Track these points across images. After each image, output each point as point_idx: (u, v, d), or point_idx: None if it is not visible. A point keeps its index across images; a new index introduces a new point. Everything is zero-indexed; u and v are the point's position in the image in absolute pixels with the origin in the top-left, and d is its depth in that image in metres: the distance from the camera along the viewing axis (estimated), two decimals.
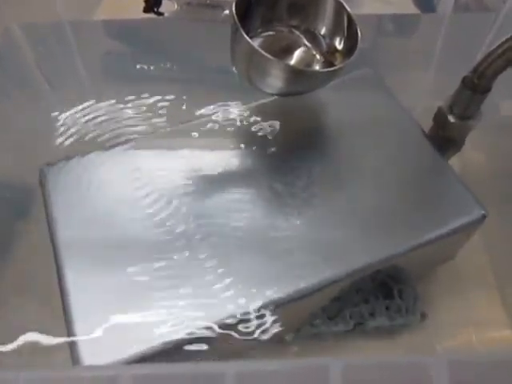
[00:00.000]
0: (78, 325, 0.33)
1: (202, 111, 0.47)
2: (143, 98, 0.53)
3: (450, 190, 0.39)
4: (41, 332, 0.35)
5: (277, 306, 0.34)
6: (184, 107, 0.51)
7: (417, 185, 0.40)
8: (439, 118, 0.40)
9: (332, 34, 0.44)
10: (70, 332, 0.33)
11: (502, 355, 0.23)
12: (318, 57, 0.45)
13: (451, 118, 0.39)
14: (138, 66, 0.58)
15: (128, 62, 0.59)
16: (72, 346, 0.32)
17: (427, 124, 0.42)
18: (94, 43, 0.59)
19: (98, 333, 0.32)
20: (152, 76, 0.58)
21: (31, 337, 0.34)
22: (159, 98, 0.53)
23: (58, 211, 0.38)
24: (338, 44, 0.44)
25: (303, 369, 0.19)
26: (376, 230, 0.37)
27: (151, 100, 0.52)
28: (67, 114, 0.54)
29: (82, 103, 0.55)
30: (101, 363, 0.31)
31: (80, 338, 0.32)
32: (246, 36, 0.37)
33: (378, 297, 0.40)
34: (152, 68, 0.58)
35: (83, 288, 0.34)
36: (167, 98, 0.53)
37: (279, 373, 0.19)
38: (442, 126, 0.40)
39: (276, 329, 0.34)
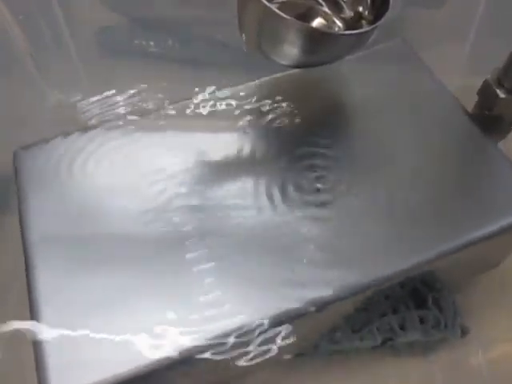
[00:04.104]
0: (47, 338, 0.27)
1: (205, 90, 0.42)
2: (141, 78, 0.48)
3: (501, 180, 0.33)
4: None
5: (289, 319, 0.28)
6: (186, 85, 0.45)
7: (459, 173, 0.34)
8: (486, 93, 0.35)
9: None
10: (36, 346, 0.27)
11: None
12: (340, 25, 0.39)
13: (501, 93, 0.34)
14: (136, 42, 0.52)
15: (125, 37, 0.53)
16: (39, 363, 0.26)
17: (465, 105, 0.37)
18: (87, 15, 0.53)
19: (70, 349, 0.27)
20: (152, 53, 0.53)
21: None
22: (158, 76, 0.49)
23: (30, 201, 0.33)
24: (363, 10, 0.38)
25: None
26: (409, 228, 0.31)
27: (149, 79, 0.48)
28: (56, 94, 0.49)
29: (72, 83, 0.50)
30: None
31: (48, 354, 0.27)
32: None
33: (408, 306, 0.34)
34: (152, 44, 0.52)
35: (55, 293, 0.29)
36: (167, 76, 0.49)
37: None
38: (489, 102, 0.35)
39: (287, 346, 0.28)
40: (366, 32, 0.33)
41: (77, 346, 0.27)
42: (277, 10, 0.31)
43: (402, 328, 0.34)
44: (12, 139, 0.42)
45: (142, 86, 0.46)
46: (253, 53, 0.35)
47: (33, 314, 0.28)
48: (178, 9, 0.54)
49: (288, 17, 0.31)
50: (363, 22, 0.38)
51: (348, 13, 0.39)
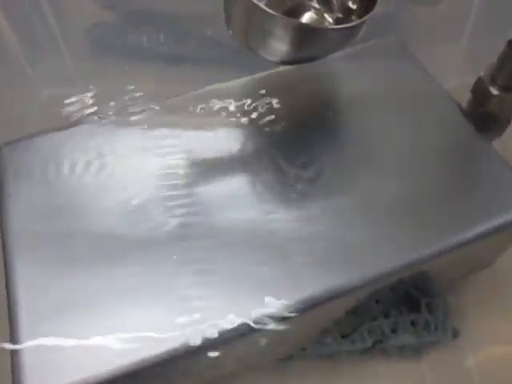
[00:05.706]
0: (25, 338, 0.26)
1: (196, 87, 0.41)
2: (132, 75, 0.48)
3: (494, 178, 0.33)
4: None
5: (276, 320, 0.27)
6: (177, 83, 0.44)
7: (452, 172, 0.34)
8: (479, 90, 0.34)
9: None
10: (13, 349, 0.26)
11: None
12: (330, 20, 0.39)
13: (494, 90, 0.33)
14: (127, 39, 0.52)
15: (117, 34, 0.53)
16: (14, 366, 0.26)
17: (460, 103, 0.37)
18: (78, 12, 0.52)
19: (48, 349, 0.26)
20: (143, 50, 0.52)
21: None
22: (149, 73, 0.48)
23: (12, 197, 0.32)
24: (353, 5, 0.38)
25: None
26: (401, 228, 0.31)
27: (141, 76, 0.48)
28: (47, 92, 0.49)
29: (64, 80, 0.50)
30: None
31: (26, 355, 0.26)
32: None
33: (400, 309, 0.34)
34: (144, 40, 0.52)
35: (35, 293, 0.28)
36: (158, 73, 0.49)
37: None
38: (483, 100, 0.34)
39: (275, 349, 0.27)
40: (354, 26, 0.32)
41: (54, 348, 0.26)
42: (263, 6, 0.30)
43: (393, 331, 0.33)
44: (2, 137, 0.42)
45: (134, 82, 0.46)
46: (245, 50, 0.35)
47: (10, 316, 0.27)
48: (171, 5, 0.53)
49: (275, 13, 0.30)
50: (353, 17, 0.37)
51: (338, 8, 0.38)
